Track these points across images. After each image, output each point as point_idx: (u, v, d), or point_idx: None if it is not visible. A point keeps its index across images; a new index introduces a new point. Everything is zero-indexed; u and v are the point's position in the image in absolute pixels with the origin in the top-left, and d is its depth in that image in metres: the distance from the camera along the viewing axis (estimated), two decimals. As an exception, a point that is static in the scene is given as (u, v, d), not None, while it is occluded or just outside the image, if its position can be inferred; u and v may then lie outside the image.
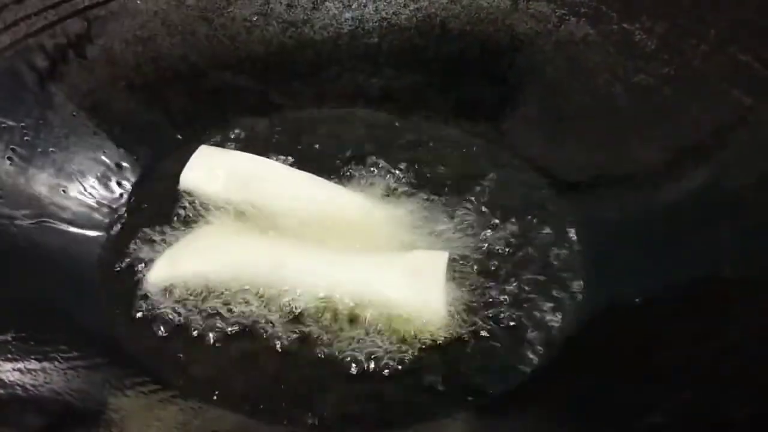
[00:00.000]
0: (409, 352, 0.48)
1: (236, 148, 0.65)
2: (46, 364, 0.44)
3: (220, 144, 0.65)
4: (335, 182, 0.61)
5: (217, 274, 0.52)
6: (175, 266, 0.53)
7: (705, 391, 0.40)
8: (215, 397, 0.46)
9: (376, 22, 0.71)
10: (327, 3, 0.70)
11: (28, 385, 0.42)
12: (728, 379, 0.40)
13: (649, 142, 0.58)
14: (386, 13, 0.70)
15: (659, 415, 0.39)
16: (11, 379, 0.42)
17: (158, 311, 0.51)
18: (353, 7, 0.71)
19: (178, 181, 0.60)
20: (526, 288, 0.53)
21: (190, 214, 0.58)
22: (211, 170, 0.60)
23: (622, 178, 0.59)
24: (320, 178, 0.61)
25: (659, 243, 0.52)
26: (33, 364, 0.44)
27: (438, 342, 0.49)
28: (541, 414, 0.46)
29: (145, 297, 0.52)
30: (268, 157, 0.63)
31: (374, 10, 0.71)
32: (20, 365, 0.43)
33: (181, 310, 0.51)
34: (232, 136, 0.67)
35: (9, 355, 0.43)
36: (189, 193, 0.60)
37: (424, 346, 0.49)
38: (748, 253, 0.47)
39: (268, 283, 0.51)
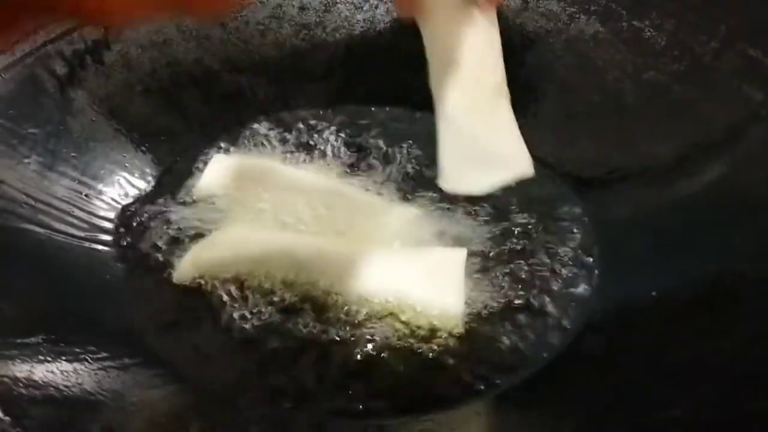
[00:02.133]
0: (426, 346, 0.49)
1: (251, 150, 0.66)
2: (77, 365, 0.45)
3: (237, 145, 0.66)
4: (350, 181, 0.62)
5: (242, 270, 0.53)
6: (200, 264, 0.54)
7: (721, 386, 0.41)
8: (246, 395, 0.47)
9: (387, 24, 0.71)
10: (339, 5, 0.71)
11: (61, 386, 0.43)
12: (744, 374, 0.41)
13: (660, 138, 0.59)
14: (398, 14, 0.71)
15: (676, 410, 0.40)
16: (44, 380, 0.43)
17: (185, 310, 0.52)
18: (365, 8, 0.71)
19: (195, 184, 0.62)
20: (541, 283, 0.53)
21: (209, 217, 0.59)
22: (227, 176, 0.61)
23: (635, 174, 0.59)
24: (334, 180, 0.62)
25: (672, 239, 0.53)
26: (64, 366, 0.44)
27: (455, 336, 0.50)
28: (555, 408, 0.46)
29: (172, 296, 0.53)
30: (284, 158, 0.64)
31: (386, 11, 0.71)
32: (52, 367, 0.44)
33: (210, 309, 0.52)
34: (248, 139, 0.67)
35: (41, 357, 0.44)
36: (206, 198, 0.61)
37: (440, 341, 0.49)
38: (761, 249, 0.48)
39: (290, 278, 0.52)
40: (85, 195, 0.59)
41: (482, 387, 0.47)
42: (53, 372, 0.44)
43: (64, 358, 0.45)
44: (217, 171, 0.61)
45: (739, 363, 0.42)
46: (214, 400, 0.47)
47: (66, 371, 0.44)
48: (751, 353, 0.42)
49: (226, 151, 0.65)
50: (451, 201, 0.59)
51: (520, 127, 0.58)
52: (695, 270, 0.50)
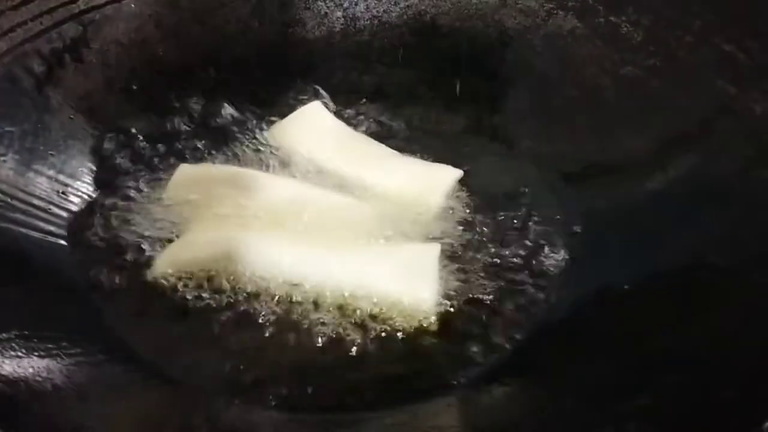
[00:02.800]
0: (400, 340, 0.49)
1: (233, 148, 0.66)
2: (48, 361, 0.45)
3: (215, 144, 0.66)
4: (329, 179, 0.62)
5: (215, 267, 0.53)
6: (174, 262, 0.54)
7: (690, 374, 0.41)
8: (221, 391, 0.47)
9: (367, 20, 0.72)
10: (319, 2, 0.71)
11: (31, 381, 0.43)
12: (713, 362, 0.41)
13: (636, 132, 0.59)
14: (377, 11, 0.72)
15: (646, 397, 0.40)
16: (15, 375, 0.43)
17: (159, 307, 0.52)
18: (344, 6, 0.72)
19: (167, 186, 0.61)
20: (516, 276, 0.54)
21: (183, 217, 0.59)
22: (194, 183, 0.60)
23: (611, 168, 0.60)
24: (308, 183, 0.61)
25: (647, 231, 0.53)
26: (36, 362, 0.44)
27: (428, 330, 0.50)
28: (527, 396, 0.47)
29: (146, 293, 0.53)
30: (263, 157, 0.64)
31: (365, 8, 0.72)
32: (24, 362, 0.44)
33: (182, 305, 0.52)
34: (227, 136, 0.67)
35: (12, 353, 0.44)
36: (178, 200, 0.60)
37: (414, 334, 0.50)
38: (733, 240, 0.48)
39: (264, 276, 0.52)
40: (62, 193, 0.59)
41: (454, 381, 0.47)
42: (24, 367, 0.44)
43: (36, 353, 0.45)
44: (183, 180, 0.60)
45: (707, 353, 0.42)
46: (187, 395, 0.47)
47: (37, 367, 0.44)
48: (719, 343, 0.42)
49: (205, 149, 0.65)
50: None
51: (503, 124, 0.58)
52: (669, 261, 0.50)
